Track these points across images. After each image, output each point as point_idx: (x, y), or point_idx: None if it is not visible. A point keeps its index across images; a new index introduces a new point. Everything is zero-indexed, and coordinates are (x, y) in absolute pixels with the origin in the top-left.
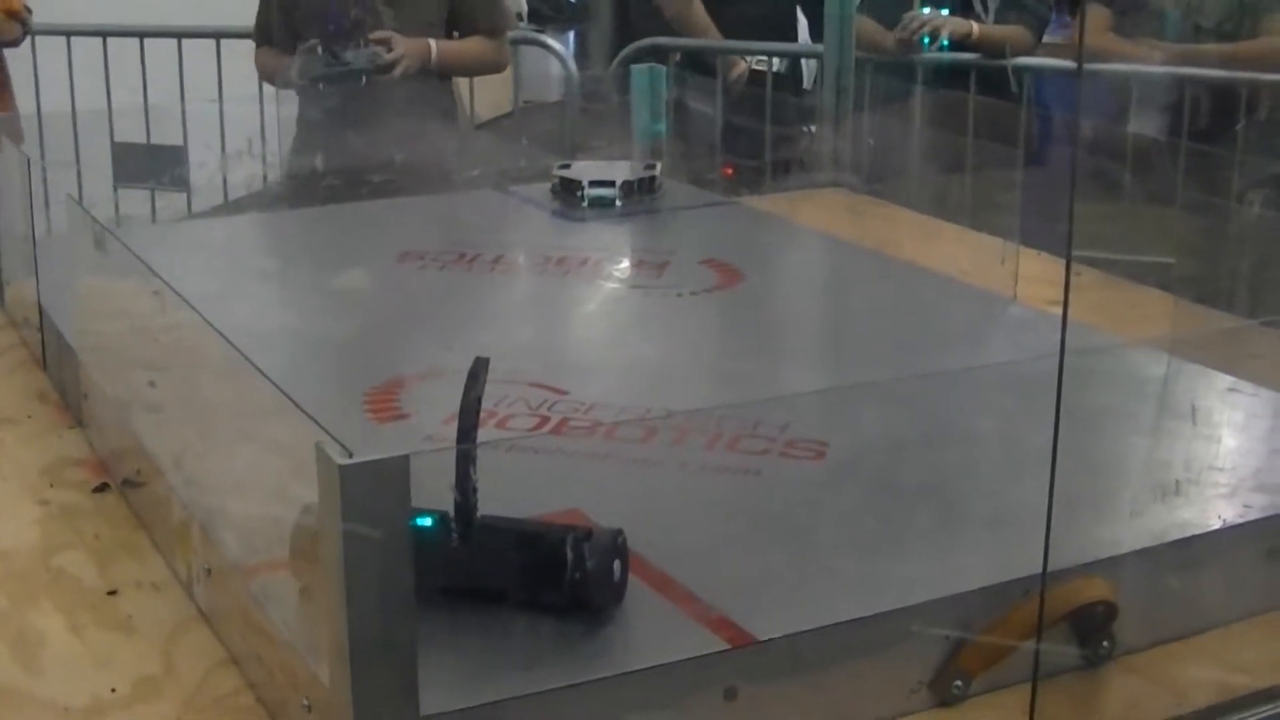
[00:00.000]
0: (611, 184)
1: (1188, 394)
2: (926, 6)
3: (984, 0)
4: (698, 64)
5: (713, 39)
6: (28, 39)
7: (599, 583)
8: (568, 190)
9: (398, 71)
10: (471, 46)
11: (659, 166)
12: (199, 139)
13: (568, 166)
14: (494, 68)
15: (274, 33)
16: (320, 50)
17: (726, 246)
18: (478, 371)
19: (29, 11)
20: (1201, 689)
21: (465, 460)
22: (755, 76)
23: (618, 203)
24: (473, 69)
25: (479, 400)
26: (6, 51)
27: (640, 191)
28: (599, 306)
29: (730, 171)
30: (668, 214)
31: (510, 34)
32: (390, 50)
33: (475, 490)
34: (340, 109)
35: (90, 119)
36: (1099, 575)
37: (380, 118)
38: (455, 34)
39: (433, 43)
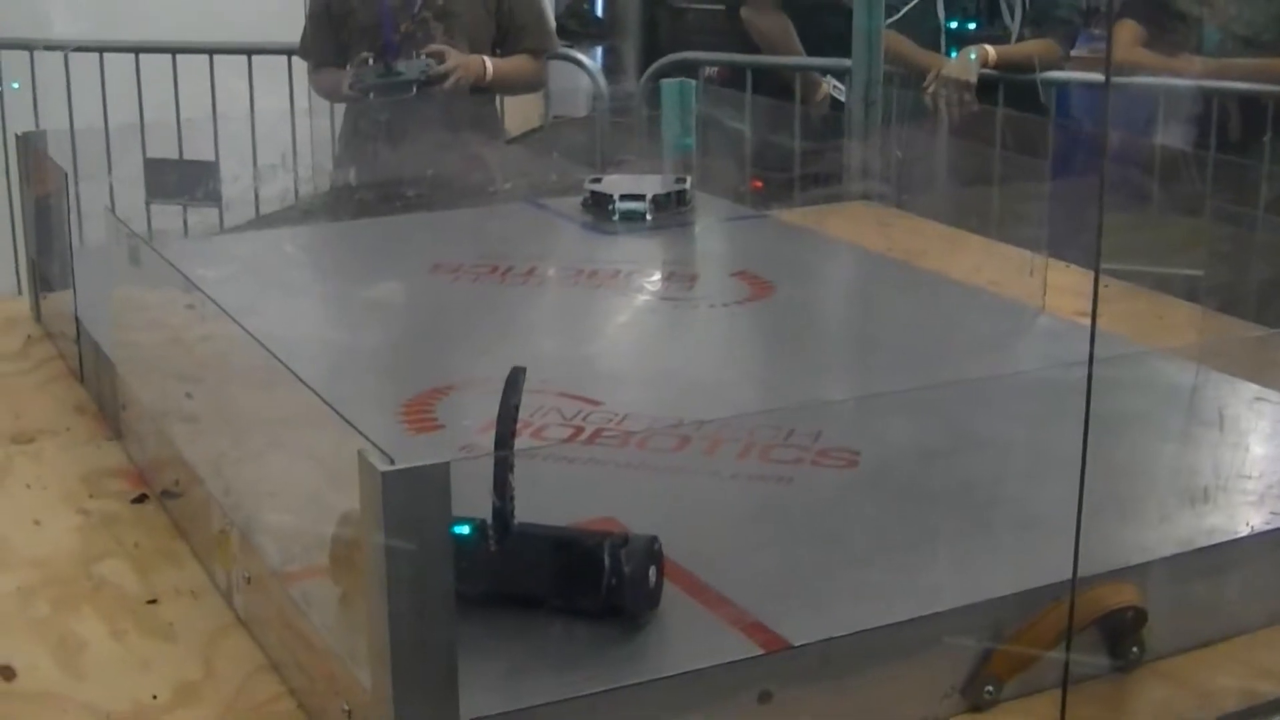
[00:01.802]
0: (642, 198)
1: (1215, 402)
2: (954, 20)
3: (1010, 10)
4: (778, 87)
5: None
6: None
7: (635, 588)
8: (599, 204)
9: (449, 83)
10: (519, 64)
11: (689, 180)
12: (231, 154)
13: (599, 180)
14: (535, 87)
15: (324, 52)
16: (372, 61)
17: (757, 259)
18: (516, 379)
19: None
20: (1229, 695)
21: (503, 467)
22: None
23: (648, 216)
24: (518, 87)
25: (517, 408)
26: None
27: (671, 205)
28: (631, 318)
29: (759, 185)
30: (698, 227)
31: (555, 45)
32: (443, 62)
33: (513, 497)
34: (388, 123)
35: (123, 134)
36: (1128, 581)
37: (426, 132)
38: (498, 51)
39: (487, 60)
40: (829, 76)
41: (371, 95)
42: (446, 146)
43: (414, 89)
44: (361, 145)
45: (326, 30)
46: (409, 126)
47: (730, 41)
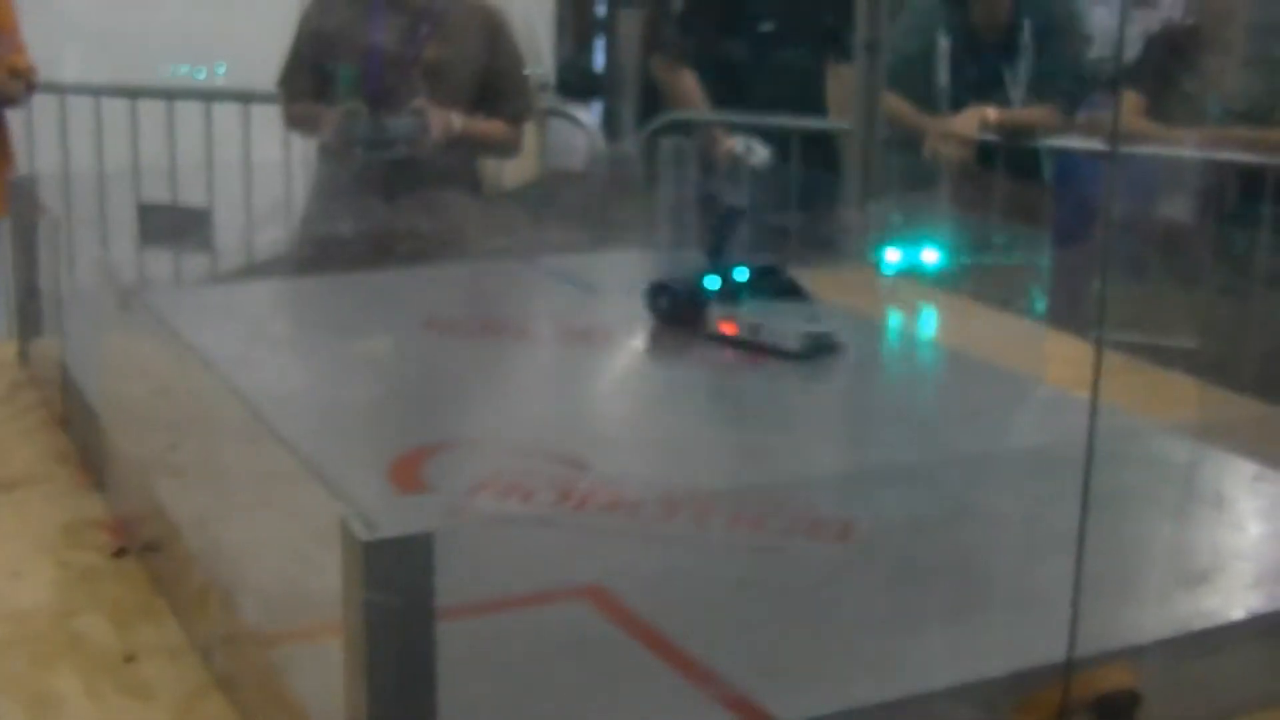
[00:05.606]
0: None
1: (1214, 481)
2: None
3: (1012, 78)
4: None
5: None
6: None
7: None
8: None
9: (429, 143)
10: (492, 128)
11: None
12: (225, 201)
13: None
14: (507, 153)
15: (304, 87)
16: (363, 116)
17: None
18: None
19: (33, 71)
20: None
21: None
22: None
23: None
24: (487, 150)
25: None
26: (9, 111)
27: None
28: (624, 379)
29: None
30: None
31: (532, 114)
32: (426, 120)
33: None
34: (365, 174)
35: (116, 179)
36: (1123, 663)
37: (402, 185)
38: (480, 113)
39: (454, 116)
40: (740, 136)
41: (359, 151)
42: (424, 201)
43: (400, 148)
44: (336, 196)
45: (309, 65)
46: (385, 178)
47: None
